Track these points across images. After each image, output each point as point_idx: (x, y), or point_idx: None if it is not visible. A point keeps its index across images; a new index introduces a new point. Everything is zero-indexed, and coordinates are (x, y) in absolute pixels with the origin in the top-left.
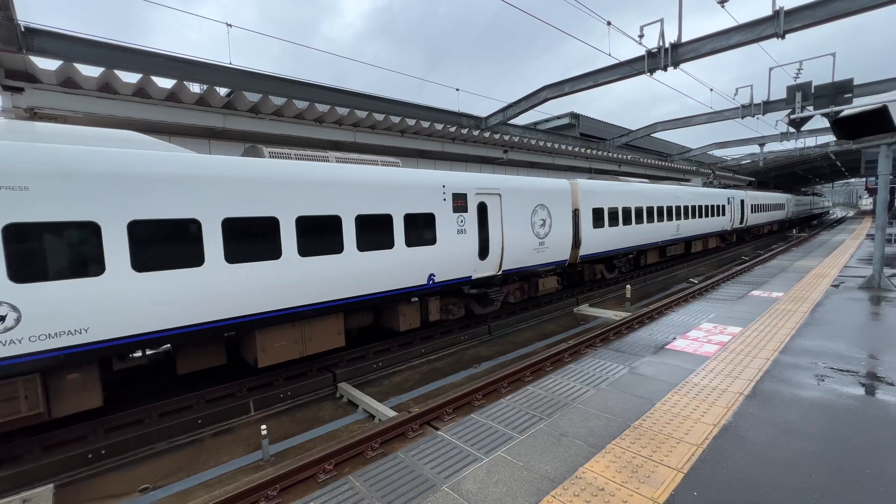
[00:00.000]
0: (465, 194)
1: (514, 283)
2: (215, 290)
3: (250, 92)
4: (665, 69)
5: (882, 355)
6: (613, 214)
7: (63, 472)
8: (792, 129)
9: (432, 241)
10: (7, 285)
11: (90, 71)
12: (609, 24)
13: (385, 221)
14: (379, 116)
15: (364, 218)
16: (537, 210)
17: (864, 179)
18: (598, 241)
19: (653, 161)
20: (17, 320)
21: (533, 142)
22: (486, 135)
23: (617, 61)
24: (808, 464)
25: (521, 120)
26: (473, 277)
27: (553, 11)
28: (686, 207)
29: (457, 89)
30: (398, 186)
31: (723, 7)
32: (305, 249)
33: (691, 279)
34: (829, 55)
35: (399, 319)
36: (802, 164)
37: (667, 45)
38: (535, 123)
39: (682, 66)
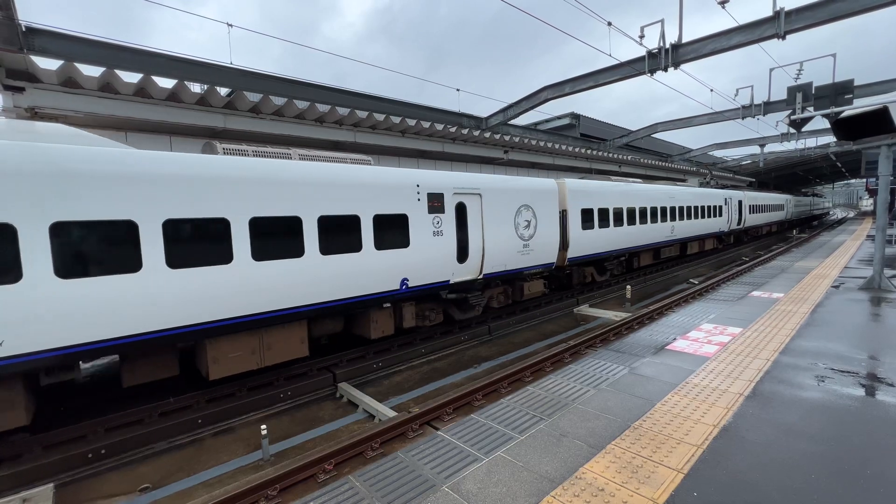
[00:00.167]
0: (442, 194)
1: (497, 288)
2: (155, 297)
3: (251, 92)
4: (665, 70)
5: (882, 356)
6: (604, 215)
7: (63, 471)
8: (792, 130)
9: (405, 243)
10: None
11: (91, 71)
12: (610, 24)
13: (351, 223)
14: (379, 117)
15: (327, 219)
16: (521, 211)
17: (864, 180)
18: (587, 242)
19: (652, 161)
20: None
21: (533, 142)
22: (487, 135)
23: (617, 62)
24: (809, 464)
25: (522, 120)
26: (451, 282)
27: (553, 12)
28: (681, 208)
29: (457, 89)
30: (366, 186)
31: (723, 8)
32: (260, 253)
33: (691, 280)
34: (830, 56)
35: (370, 326)
36: (803, 164)
37: (667, 46)
38: (536, 124)
39: (683, 66)
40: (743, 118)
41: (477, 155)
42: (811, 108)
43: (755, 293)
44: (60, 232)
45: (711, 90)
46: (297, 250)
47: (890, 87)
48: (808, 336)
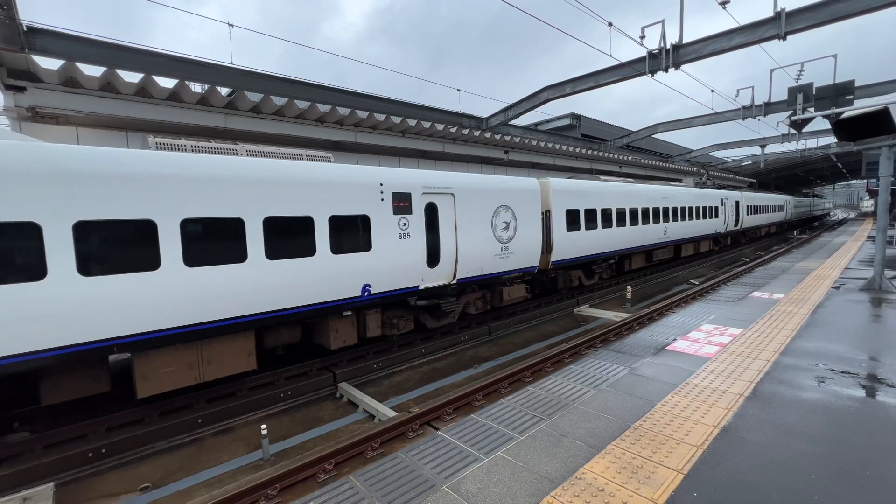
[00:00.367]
0: (409, 194)
1: (474, 293)
2: (66, 308)
3: (252, 92)
4: (666, 70)
5: (883, 357)
6: (591, 216)
7: (63, 470)
8: (793, 131)
9: (366, 247)
10: None
11: (92, 70)
12: (610, 24)
13: (303, 225)
14: (380, 117)
15: (275, 221)
16: (499, 212)
17: (865, 181)
18: (572, 245)
19: (652, 162)
20: None
21: (534, 142)
22: (487, 135)
23: (618, 62)
24: (809, 465)
25: (522, 120)
26: (421, 287)
27: (554, 12)
28: (675, 209)
29: (458, 90)
30: (321, 184)
31: (724, 8)
32: (195, 258)
33: (692, 280)
34: (831, 57)
35: (330, 336)
36: (803, 165)
37: (668, 46)
38: (537, 124)
39: (684, 67)
40: (744, 119)
41: (477, 155)
42: (812, 109)
43: (755, 294)
44: None
45: (712, 91)
46: (238, 255)
47: (891, 88)
48: (809, 337)
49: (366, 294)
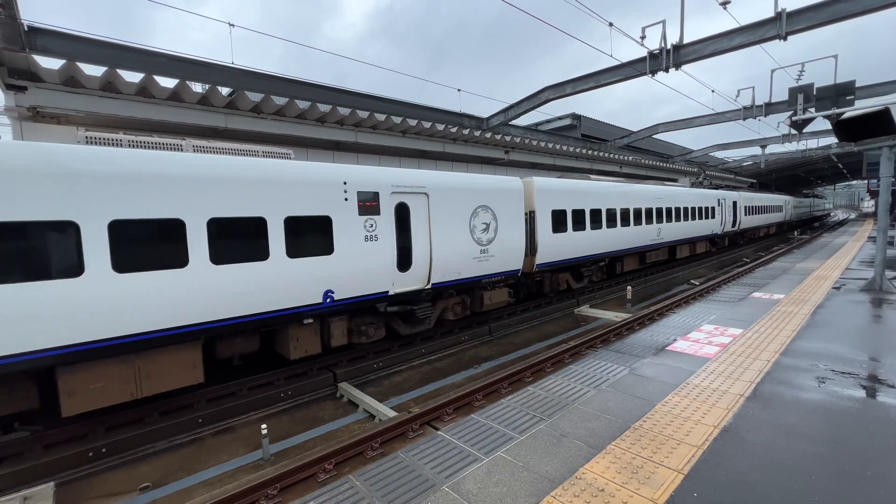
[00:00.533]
0: (377, 193)
1: (452, 298)
2: None
3: (252, 92)
4: (667, 70)
5: (883, 358)
6: (579, 217)
7: (64, 470)
8: (794, 131)
9: (328, 250)
10: None
11: (93, 70)
12: (611, 25)
13: (255, 227)
14: (380, 117)
15: (222, 222)
16: (478, 212)
17: (865, 181)
18: (559, 247)
19: (652, 162)
20: None
21: (534, 143)
22: (488, 135)
23: (619, 62)
24: (809, 465)
25: (523, 121)
26: (392, 293)
27: (555, 12)
28: (669, 209)
29: (458, 90)
30: (276, 183)
31: (725, 9)
32: (127, 263)
33: (692, 281)
34: (832, 57)
35: (289, 345)
36: (804, 165)
37: (668, 47)
38: (537, 124)
39: (684, 67)
40: (744, 119)
41: (478, 155)
42: (812, 110)
43: (756, 294)
44: None
45: (713, 91)
46: (179, 260)
47: (891, 89)
48: (809, 337)
49: (328, 301)
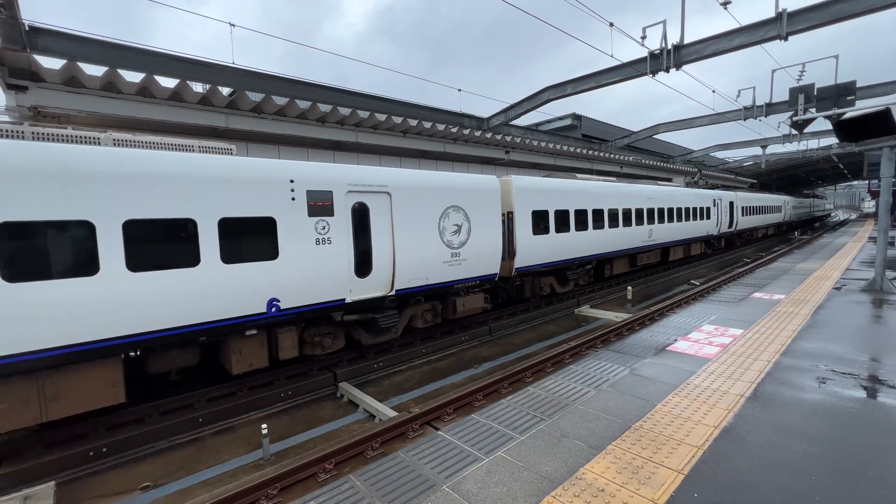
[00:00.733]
0: (330, 192)
1: (421, 305)
2: None
3: (253, 92)
4: (667, 71)
5: (884, 358)
6: (563, 218)
7: (64, 469)
8: (794, 132)
9: (271, 255)
10: None
11: (94, 70)
12: (612, 25)
13: (182, 229)
14: (381, 117)
15: (141, 225)
16: (449, 213)
17: (866, 182)
18: (540, 249)
19: (652, 162)
20: None
21: (535, 143)
22: (488, 135)
23: (619, 62)
24: (809, 466)
25: (523, 121)
26: (349, 301)
27: (555, 12)
28: (661, 210)
29: (458, 90)
30: (207, 181)
31: (725, 9)
32: (19, 271)
33: (693, 281)
34: (833, 57)
35: (231, 358)
36: (805, 166)
37: (669, 47)
38: (538, 124)
39: (685, 67)
40: (745, 119)
41: (478, 155)
42: (813, 110)
43: (756, 294)
44: None
45: (713, 91)
46: (87, 266)
47: (892, 89)
48: (810, 338)
49: (273, 310)
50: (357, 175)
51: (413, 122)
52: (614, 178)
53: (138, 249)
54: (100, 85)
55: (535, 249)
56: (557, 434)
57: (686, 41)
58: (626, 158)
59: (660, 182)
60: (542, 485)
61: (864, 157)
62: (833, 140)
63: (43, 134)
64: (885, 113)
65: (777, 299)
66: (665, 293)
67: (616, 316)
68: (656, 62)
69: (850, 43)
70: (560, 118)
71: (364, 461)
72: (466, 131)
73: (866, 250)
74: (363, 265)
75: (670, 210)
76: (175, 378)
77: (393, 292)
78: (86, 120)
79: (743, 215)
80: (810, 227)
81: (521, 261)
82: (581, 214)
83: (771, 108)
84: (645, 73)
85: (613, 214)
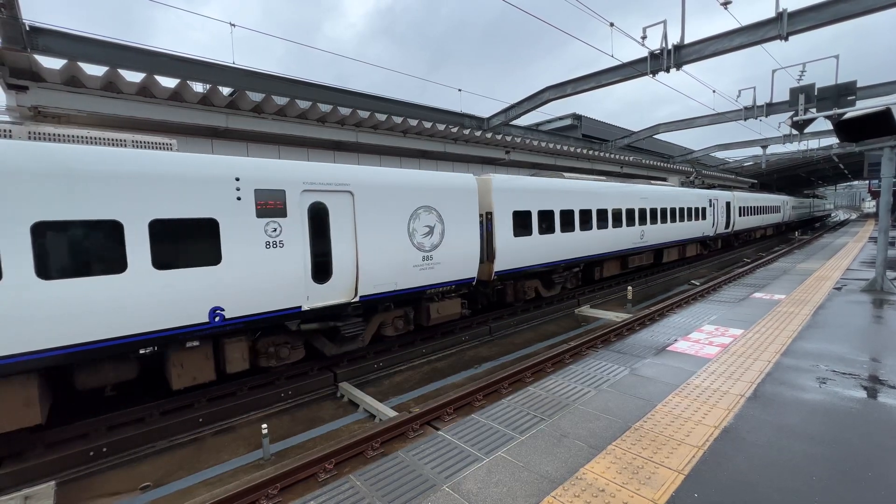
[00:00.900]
0: (283, 192)
1: (391, 311)
2: None
3: (253, 91)
4: (668, 71)
5: (884, 358)
6: (547, 219)
7: (65, 469)
8: (795, 132)
9: (213, 259)
10: None
11: (94, 70)
12: (612, 25)
13: (106, 232)
14: (381, 117)
15: (54, 227)
16: (419, 214)
17: (866, 182)
18: (522, 252)
19: (652, 162)
20: None
21: (535, 143)
22: (489, 135)
23: (620, 62)
24: (810, 466)
25: (524, 121)
26: (306, 308)
27: (556, 13)
28: (654, 210)
29: (459, 90)
30: (137, 179)
31: (726, 9)
32: None
33: (693, 281)
34: (833, 57)
35: (172, 372)
36: (805, 166)
37: (669, 47)
38: (538, 124)
39: (685, 67)
40: (745, 119)
41: (478, 155)
42: (814, 110)
43: (757, 295)
44: None
45: (714, 91)
46: None
47: (893, 89)
48: (810, 338)
49: (216, 320)
50: (314, 173)
51: (413, 122)
52: (605, 178)
53: (50, 255)
54: (100, 85)
55: (516, 252)
56: (558, 434)
57: (686, 41)
58: (627, 158)
59: (653, 181)
60: (543, 485)
61: (864, 157)
62: (833, 140)
63: None
64: (886, 113)
65: (777, 299)
66: (665, 293)
67: (616, 316)
68: (656, 62)
69: (851, 43)
70: (560, 118)
71: (364, 461)
72: (467, 131)
73: (867, 250)
74: (322, 270)
75: (663, 210)
76: (111, 394)
77: (357, 299)
78: (86, 120)
79: (740, 216)
80: (810, 228)
81: (501, 264)
82: (567, 215)
83: (771, 108)
84: (645, 73)
85: (602, 215)
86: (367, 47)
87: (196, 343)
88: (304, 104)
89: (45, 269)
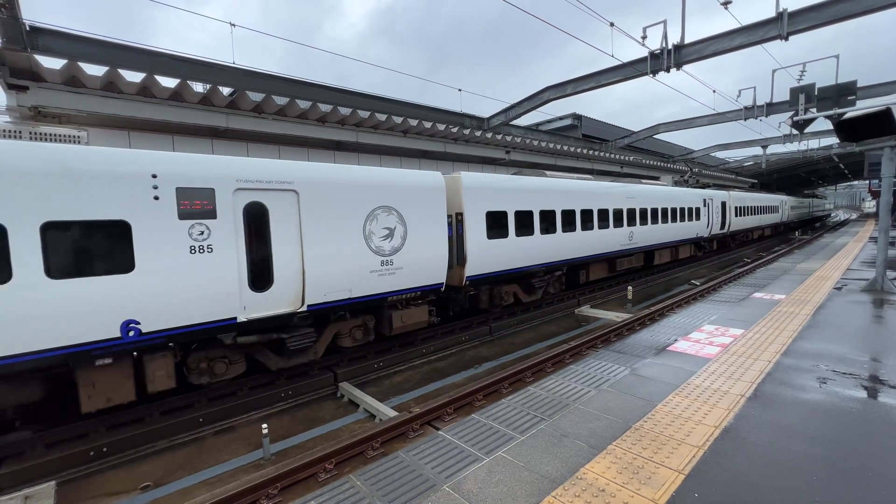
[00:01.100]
0: (211, 190)
1: (347, 321)
2: None
3: (253, 91)
4: (668, 70)
5: (884, 358)
6: (526, 220)
7: (65, 469)
8: (795, 131)
9: (124, 266)
10: None
11: (94, 70)
12: (612, 25)
13: None
14: (381, 117)
15: None
16: (377, 216)
17: (867, 182)
18: (498, 255)
19: (652, 161)
20: None
21: (535, 143)
22: (489, 135)
23: (620, 62)
24: (810, 466)
25: (524, 121)
26: (243, 319)
27: (556, 12)
28: (644, 210)
29: (459, 90)
30: (23, 177)
31: (726, 9)
32: None
33: (693, 281)
34: (833, 57)
35: (81, 393)
36: (805, 166)
37: (670, 47)
38: (538, 124)
39: (685, 67)
40: (745, 119)
41: (478, 155)
42: (814, 110)
43: (757, 294)
44: None
45: (714, 91)
46: None
47: (893, 89)
48: (810, 338)
49: (131, 334)
50: (251, 169)
51: (413, 122)
52: (591, 177)
53: None
54: (100, 85)
55: (490, 255)
56: (558, 434)
57: (686, 41)
58: (627, 158)
59: (643, 180)
60: (543, 485)
61: (864, 157)
62: (834, 140)
63: None
64: (886, 113)
65: (777, 299)
66: (665, 293)
67: (616, 316)
68: (657, 62)
69: (851, 43)
70: (560, 118)
71: (364, 461)
72: (467, 131)
73: (867, 250)
74: (260, 277)
75: (654, 210)
76: (15, 423)
77: (304, 308)
78: (86, 120)
79: (736, 216)
80: (810, 228)
81: (473, 268)
82: (548, 216)
83: (771, 108)
84: (645, 73)
85: (587, 215)
86: (368, 47)
87: (108, 360)
88: (304, 104)
89: None
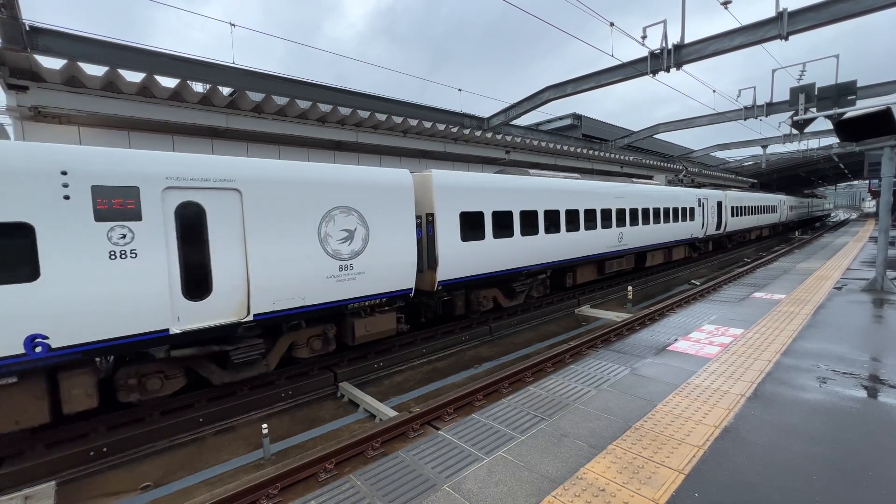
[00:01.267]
0: (136, 189)
1: (303, 331)
2: None
3: (253, 91)
4: (668, 70)
5: (884, 358)
6: (505, 220)
7: (65, 469)
8: (795, 131)
9: (26, 275)
10: None
11: (94, 70)
12: (612, 25)
13: None
14: (381, 117)
15: None
16: (334, 216)
17: (867, 182)
18: (473, 258)
19: (651, 161)
20: None
21: (535, 142)
22: (489, 135)
23: (620, 62)
24: (810, 466)
25: (524, 121)
26: (177, 331)
27: (556, 12)
28: (635, 211)
29: (459, 90)
30: None
31: (726, 9)
32: None
33: (693, 281)
34: (833, 57)
35: None
36: (805, 166)
37: (669, 47)
38: (538, 124)
39: (685, 67)
40: (745, 119)
41: (478, 155)
42: (814, 110)
43: (757, 294)
44: None
45: (714, 91)
46: None
47: (893, 89)
48: (810, 337)
49: (38, 350)
50: (184, 166)
51: (413, 122)
52: (578, 175)
53: None
54: (100, 85)
55: (465, 258)
56: (558, 434)
57: (686, 41)
58: (627, 158)
59: (634, 179)
60: (543, 484)
61: (864, 157)
62: (833, 140)
63: None
64: (886, 112)
65: (777, 299)
66: (665, 293)
67: (616, 316)
68: (657, 62)
69: (851, 43)
70: (560, 118)
71: (365, 461)
72: (467, 131)
73: (867, 250)
74: (197, 285)
75: (645, 211)
76: None
77: (250, 317)
78: (86, 120)
79: (733, 216)
80: (810, 228)
81: (446, 272)
82: (529, 216)
83: (771, 108)
84: (645, 73)
85: (572, 216)
86: (368, 47)
87: (13, 380)
88: (304, 104)
89: None
